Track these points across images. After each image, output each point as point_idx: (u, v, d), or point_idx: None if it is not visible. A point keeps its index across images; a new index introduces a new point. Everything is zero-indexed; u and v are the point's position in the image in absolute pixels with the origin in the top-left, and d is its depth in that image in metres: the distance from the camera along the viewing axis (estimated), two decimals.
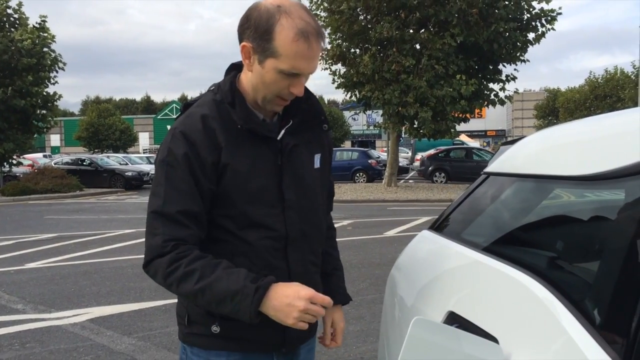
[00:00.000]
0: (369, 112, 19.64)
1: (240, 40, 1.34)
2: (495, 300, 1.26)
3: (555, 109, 53.44)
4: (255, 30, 1.29)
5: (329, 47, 18.10)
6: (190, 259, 1.28)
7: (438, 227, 1.69)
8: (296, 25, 1.26)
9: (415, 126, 17.70)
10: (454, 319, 1.34)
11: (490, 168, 1.56)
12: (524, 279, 1.19)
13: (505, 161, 1.48)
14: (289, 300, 1.23)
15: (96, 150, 48.95)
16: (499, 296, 1.26)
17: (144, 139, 66.50)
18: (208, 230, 1.37)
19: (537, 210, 1.38)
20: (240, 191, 1.35)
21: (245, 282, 1.24)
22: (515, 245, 1.40)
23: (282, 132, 1.40)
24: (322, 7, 17.75)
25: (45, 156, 41.56)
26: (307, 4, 18.16)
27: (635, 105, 27.81)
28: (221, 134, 1.34)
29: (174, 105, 67.39)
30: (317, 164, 1.49)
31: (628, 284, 0.97)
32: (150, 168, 25.14)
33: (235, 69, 1.45)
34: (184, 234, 1.30)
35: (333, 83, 18.51)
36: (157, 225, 1.31)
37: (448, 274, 1.50)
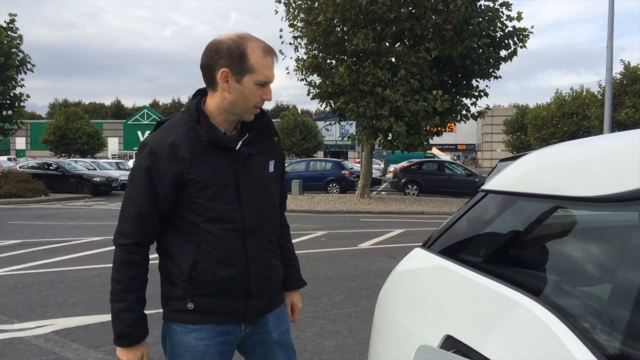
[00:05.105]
0: (342, 123, 19.61)
1: (212, 70, 1.65)
2: (497, 325, 1.20)
3: (524, 124, 54.51)
4: (230, 57, 1.62)
5: (304, 57, 18.08)
6: (130, 275, 1.68)
7: (432, 244, 1.63)
8: (261, 46, 1.66)
9: (389, 139, 17.78)
10: (452, 344, 1.28)
11: (488, 185, 1.50)
12: (528, 302, 1.14)
13: (506, 179, 1.43)
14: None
15: (63, 155, 47.81)
16: (501, 321, 1.20)
17: (114, 144, 65.31)
18: (179, 223, 1.70)
19: (541, 230, 1.33)
20: (204, 191, 1.65)
21: (124, 319, 1.72)
22: (517, 267, 1.35)
23: (240, 143, 1.73)
24: (298, 18, 17.75)
25: (9, 159, 40.41)
26: (283, 14, 18.17)
27: (601, 122, 28.49)
28: (186, 148, 1.64)
29: (145, 110, 66.30)
30: (271, 169, 1.82)
31: None
32: (119, 174, 24.62)
33: (200, 94, 1.77)
34: (133, 231, 1.66)
35: (308, 94, 18.45)
36: (120, 217, 1.71)
37: (444, 295, 1.43)
